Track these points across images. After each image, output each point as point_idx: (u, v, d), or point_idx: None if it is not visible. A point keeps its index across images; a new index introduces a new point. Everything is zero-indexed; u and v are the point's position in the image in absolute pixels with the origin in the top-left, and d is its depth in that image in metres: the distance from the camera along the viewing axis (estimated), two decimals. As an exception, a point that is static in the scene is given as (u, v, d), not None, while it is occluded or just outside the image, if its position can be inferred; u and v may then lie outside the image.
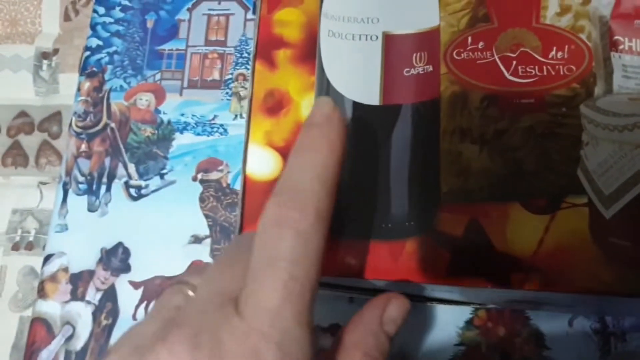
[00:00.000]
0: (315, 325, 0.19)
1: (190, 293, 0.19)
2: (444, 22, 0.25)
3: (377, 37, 0.25)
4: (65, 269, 0.40)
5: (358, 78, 0.24)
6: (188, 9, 0.47)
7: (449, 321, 0.39)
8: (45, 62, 0.51)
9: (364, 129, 0.24)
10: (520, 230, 0.22)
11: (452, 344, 0.39)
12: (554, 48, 0.24)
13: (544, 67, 0.24)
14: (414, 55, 0.24)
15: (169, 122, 0.44)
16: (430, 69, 0.24)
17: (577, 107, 0.23)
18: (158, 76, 0.45)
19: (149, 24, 0.46)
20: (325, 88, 0.24)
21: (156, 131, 0.44)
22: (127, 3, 0.47)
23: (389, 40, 0.24)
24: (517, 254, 0.22)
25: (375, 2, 0.25)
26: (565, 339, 0.39)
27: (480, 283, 0.22)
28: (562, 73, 0.24)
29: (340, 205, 0.23)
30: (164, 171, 0.42)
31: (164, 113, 0.44)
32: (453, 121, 0.24)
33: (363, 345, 0.20)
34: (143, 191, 0.42)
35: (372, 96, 0.24)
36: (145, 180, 0.42)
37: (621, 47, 0.24)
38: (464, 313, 0.40)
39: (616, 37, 0.24)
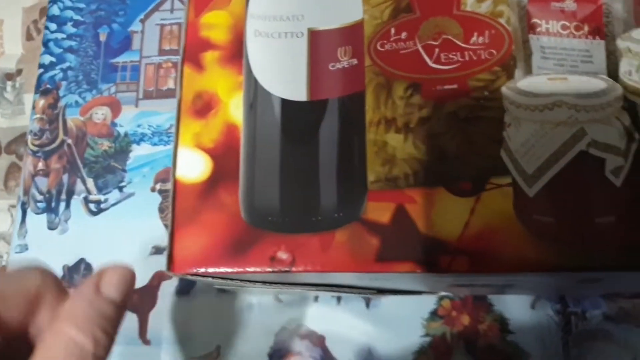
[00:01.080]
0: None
1: None
2: (367, 15, 0.25)
3: (302, 34, 0.25)
4: (27, 289, 0.39)
5: (285, 75, 0.24)
6: (141, 20, 0.48)
7: (413, 313, 0.40)
8: (9, 83, 0.51)
9: (292, 125, 0.24)
10: (446, 213, 0.22)
11: (418, 336, 0.39)
12: (475, 34, 0.25)
13: (466, 53, 0.24)
14: (339, 49, 0.25)
15: (125, 134, 0.44)
16: (355, 62, 0.25)
17: (498, 90, 0.24)
18: (113, 89, 0.46)
19: (102, 38, 0.47)
20: (253, 87, 0.25)
21: (113, 144, 0.44)
22: (79, 18, 0.47)
23: (314, 36, 0.25)
24: (444, 238, 0.22)
25: (299, 0, 0.25)
26: (528, 322, 0.39)
27: (409, 268, 0.22)
28: (483, 58, 0.24)
29: (270, 201, 0.24)
30: (123, 184, 0.42)
31: (121, 125, 0.44)
32: (378, 112, 0.24)
33: (74, 317, 0.19)
34: (102, 205, 0.42)
35: (299, 92, 0.24)
36: (104, 194, 0.43)
37: (539, 29, 0.25)
38: (429, 304, 0.40)
39: (534, 20, 0.25)
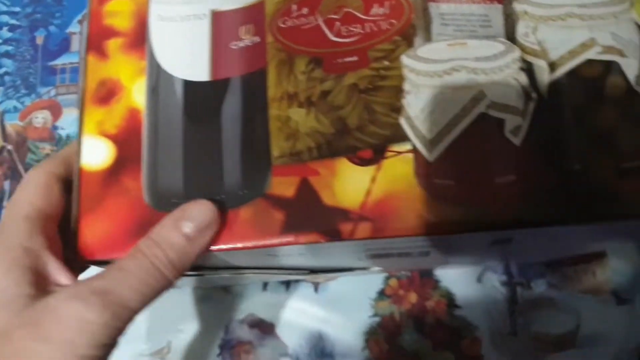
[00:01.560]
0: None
1: None
2: (268, -7, 0.25)
3: (204, 16, 0.25)
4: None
5: (187, 57, 0.24)
6: (79, 21, 0.47)
7: (361, 294, 0.40)
8: None
9: (195, 105, 0.24)
10: (348, 183, 0.22)
11: (367, 316, 0.39)
12: (375, 5, 0.25)
13: (366, 25, 0.24)
14: (241, 28, 0.25)
15: (67, 136, 0.44)
16: (257, 39, 0.25)
17: (398, 59, 0.24)
18: (53, 92, 0.45)
19: (39, 41, 0.46)
20: (155, 71, 0.25)
21: (55, 147, 0.43)
22: (14, 22, 0.47)
23: (216, 17, 0.25)
24: (346, 206, 0.22)
25: (201, -18, 0.25)
26: (474, 296, 0.40)
27: (313, 239, 0.22)
28: (383, 28, 0.24)
29: (174, 183, 0.23)
30: (65, 185, 0.42)
31: (62, 128, 0.44)
32: (280, 87, 0.24)
33: (152, 244, 0.21)
34: (47, 208, 0.42)
35: (201, 73, 0.24)
36: (48, 196, 0.42)
37: (436, -4, 0.25)
38: (376, 284, 0.40)
39: (430, -12, 0.25)
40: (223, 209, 0.22)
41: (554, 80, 0.23)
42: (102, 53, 0.25)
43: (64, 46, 0.46)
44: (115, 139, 0.24)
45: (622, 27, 0.24)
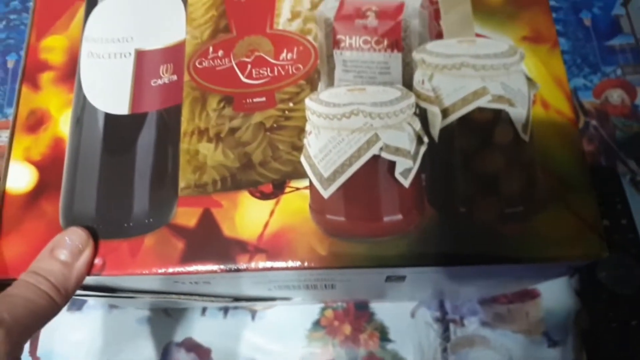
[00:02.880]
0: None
1: None
2: (189, 35, 0.27)
3: (130, 54, 0.27)
4: None
5: (111, 91, 0.26)
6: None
7: (297, 324, 0.41)
8: None
9: (113, 136, 0.26)
10: (247, 216, 0.24)
11: (301, 347, 0.40)
12: (285, 50, 0.27)
13: (275, 68, 0.26)
14: (162, 67, 0.27)
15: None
16: (175, 78, 0.27)
17: (302, 101, 0.26)
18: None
19: (10, 65, 0.49)
20: (81, 103, 0.26)
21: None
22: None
23: (140, 56, 0.27)
24: (245, 238, 0.24)
25: (131, 23, 0.27)
26: (407, 330, 0.40)
27: (211, 268, 0.23)
28: (291, 72, 0.26)
29: (87, 208, 0.25)
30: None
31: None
32: (193, 123, 0.26)
33: (33, 274, 0.22)
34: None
35: (122, 106, 0.26)
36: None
37: (343, 44, 0.27)
38: (312, 314, 0.41)
39: (339, 36, 0.27)
40: (96, 234, 0.24)
41: (446, 126, 0.25)
42: (35, 85, 0.27)
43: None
44: (39, 165, 0.26)
45: (512, 78, 0.26)
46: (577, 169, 0.25)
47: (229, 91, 0.26)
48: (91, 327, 0.41)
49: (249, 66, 0.26)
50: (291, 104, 0.26)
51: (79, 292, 0.26)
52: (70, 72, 0.27)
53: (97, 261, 0.24)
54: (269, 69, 0.26)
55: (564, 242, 0.24)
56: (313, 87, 0.26)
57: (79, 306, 0.41)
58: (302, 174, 0.25)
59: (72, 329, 0.41)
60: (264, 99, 0.26)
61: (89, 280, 0.24)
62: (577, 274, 0.40)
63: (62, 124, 0.26)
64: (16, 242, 0.25)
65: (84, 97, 0.27)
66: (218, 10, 0.27)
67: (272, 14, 0.27)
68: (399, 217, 0.24)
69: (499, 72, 0.26)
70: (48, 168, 0.26)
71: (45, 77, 0.27)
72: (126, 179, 0.25)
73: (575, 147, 0.25)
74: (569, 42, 0.46)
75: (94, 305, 0.42)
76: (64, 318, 0.41)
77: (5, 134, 0.47)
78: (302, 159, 0.25)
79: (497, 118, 0.25)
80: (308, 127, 0.25)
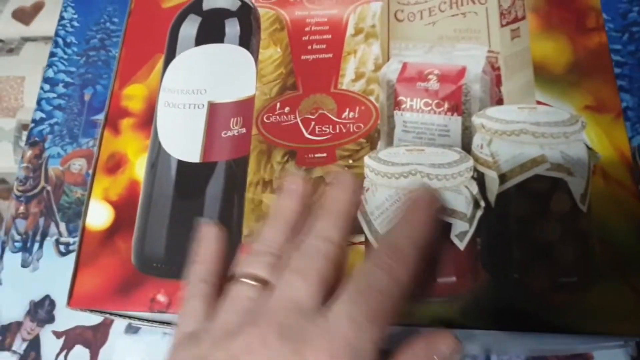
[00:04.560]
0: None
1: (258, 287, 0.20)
2: (259, 91, 0.29)
3: (203, 106, 0.29)
4: (-5, 322, 0.43)
5: (184, 140, 0.28)
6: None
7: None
8: (25, 133, 0.57)
9: (184, 183, 0.28)
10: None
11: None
12: (347, 109, 0.28)
13: (337, 126, 0.28)
14: (232, 119, 0.29)
15: (97, 182, 0.49)
16: (244, 131, 0.28)
17: (362, 159, 0.27)
18: (91, 143, 0.51)
19: (87, 97, 0.53)
20: (156, 149, 0.29)
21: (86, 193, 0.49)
22: (69, 80, 0.54)
23: (212, 108, 0.29)
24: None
25: (205, 76, 0.29)
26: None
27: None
28: (352, 130, 0.28)
29: (157, 249, 0.27)
30: (87, 227, 0.47)
31: (94, 175, 0.49)
32: (258, 174, 0.27)
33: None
34: (71, 247, 0.47)
35: (194, 155, 0.28)
36: (73, 237, 0.47)
37: (404, 105, 0.28)
38: None
39: (400, 98, 0.28)
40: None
41: (503, 191, 0.25)
42: (116, 129, 0.30)
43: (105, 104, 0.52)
44: (116, 205, 0.28)
45: (572, 147, 0.26)
46: (637, 242, 0.25)
47: (293, 146, 0.28)
48: (146, 351, 0.43)
49: (313, 123, 0.28)
50: (351, 161, 0.27)
51: (137, 322, 0.28)
52: (148, 119, 0.30)
53: (163, 299, 0.26)
54: (331, 127, 0.28)
55: (620, 316, 0.24)
56: (373, 146, 0.27)
57: (135, 330, 0.44)
58: (359, 230, 0.26)
59: (129, 352, 0.43)
60: (325, 154, 0.27)
61: (154, 315, 0.26)
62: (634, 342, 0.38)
63: (138, 168, 0.29)
64: (92, 275, 0.27)
65: (159, 144, 0.29)
66: (287, 68, 0.29)
67: (337, 74, 0.29)
68: (453, 279, 0.24)
69: (558, 140, 0.26)
70: (124, 208, 0.28)
71: (125, 123, 0.30)
72: (194, 223, 0.27)
73: (635, 220, 0.25)
74: (634, 99, 0.46)
75: (150, 330, 0.44)
76: (121, 341, 0.44)
77: (79, 162, 0.51)
78: (359, 215, 0.26)
79: (554, 187, 0.26)
80: (366, 184, 0.26)
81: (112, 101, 0.30)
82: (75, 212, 0.48)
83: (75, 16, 0.56)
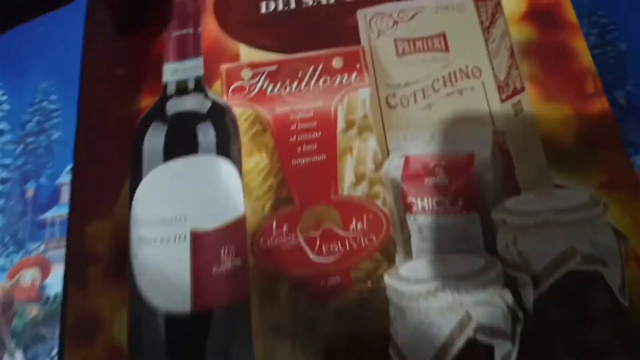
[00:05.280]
0: None
1: None
2: (249, 209, 0.25)
3: (185, 237, 0.25)
4: None
5: (168, 285, 0.24)
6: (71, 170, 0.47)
7: None
8: None
9: (176, 342, 0.23)
10: None
11: None
12: (354, 219, 0.25)
13: (346, 241, 0.24)
14: (222, 250, 0.25)
15: (55, 295, 0.43)
16: (239, 262, 0.25)
17: (381, 278, 0.24)
18: (42, 248, 0.45)
19: (29, 194, 0.46)
20: (138, 302, 0.24)
21: (42, 309, 0.43)
22: (5, 175, 0.47)
23: (196, 238, 0.24)
24: None
25: (181, 199, 0.25)
26: None
27: None
28: (363, 245, 0.24)
29: None
30: (54, 354, 0.41)
31: (51, 287, 0.43)
32: (264, 317, 0.24)
33: None
34: (35, 380, 0.41)
35: (183, 303, 0.24)
36: (35, 365, 0.41)
37: (415, 208, 0.25)
38: None
39: (409, 199, 0.25)
40: None
41: (539, 296, 0.23)
42: (81, 282, 0.25)
43: (53, 198, 0.46)
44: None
45: (599, 233, 0.24)
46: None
47: (300, 273, 0.24)
48: None
49: (318, 241, 0.24)
50: (369, 283, 0.24)
51: None
52: (120, 263, 0.25)
53: None
54: (339, 243, 0.24)
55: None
56: (390, 260, 0.24)
57: None
58: (395, 369, 0.23)
59: None
60: (338, 278, 0.24)
61: None
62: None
63: (117, 330, 0.24)
64: None
65: (140, 295, 0.24)
66: (277, 177, 0.26)
67: (335, 178, 0.25)
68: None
69: (584, 227, 0.24)
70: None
71: (93, 272, 0.25)
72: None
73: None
74: None
75: None
76: None
77: (31, 272, 0.44)
78: (391, 351, 0.23)
79: (590, 282, 0.24)
80: (392, 312, 0.23)
81: (70, 247, 0.26)
82: (33, 336, 0.42)
83: (5, 97, 0.49)
